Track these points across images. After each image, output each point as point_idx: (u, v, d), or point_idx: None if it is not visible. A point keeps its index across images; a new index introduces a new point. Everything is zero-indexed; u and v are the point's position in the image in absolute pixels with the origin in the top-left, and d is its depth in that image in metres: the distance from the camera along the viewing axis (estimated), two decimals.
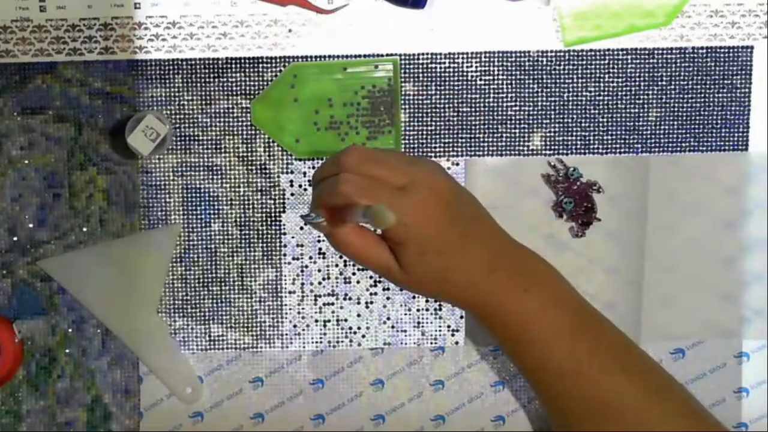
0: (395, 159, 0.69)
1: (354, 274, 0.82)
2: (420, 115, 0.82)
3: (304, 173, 0.82)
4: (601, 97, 0.82)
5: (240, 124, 0.81)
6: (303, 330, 0.82)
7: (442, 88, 0.81)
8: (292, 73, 0.81)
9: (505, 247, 0.72)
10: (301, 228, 0.82)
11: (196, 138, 0.81)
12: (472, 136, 0.82)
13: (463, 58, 0.81)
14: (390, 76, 0.81)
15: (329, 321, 0.82)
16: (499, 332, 0.71)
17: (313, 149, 0.81)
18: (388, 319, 0.83)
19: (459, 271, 0.69)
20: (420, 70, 0.81)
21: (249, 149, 0.81)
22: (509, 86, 0.82)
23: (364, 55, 0.81)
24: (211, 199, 0.82)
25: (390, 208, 0.60)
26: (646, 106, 0.82)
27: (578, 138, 0.82)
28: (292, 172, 0.82)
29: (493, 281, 0.69)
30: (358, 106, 0.81)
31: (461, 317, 0.82)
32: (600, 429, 0.70)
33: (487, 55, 0.81)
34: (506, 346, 0.72)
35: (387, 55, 0.81)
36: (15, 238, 0.81)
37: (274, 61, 0.81)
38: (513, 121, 0.82)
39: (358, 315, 0.83)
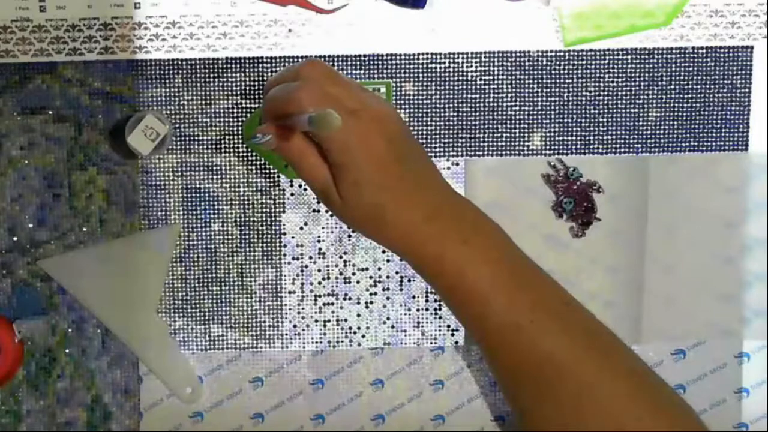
0: (351, 82, 0.69)
1: (354, 274, 0.82)
2: (420, 115, 0.82)
3: None
4: (601, 97, 0.82)
5: (240, 124, 0.81)
6: (303, 330, 0.82)
7: (442, 88, 0.82)
8: None
9: (446, 196, 0.70)
10: (301, 228, 0.82)
11: (196, 138, 0.81)
12: (472, 136, 0.82)
13: (463, 58, 0.81)
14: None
15: (329, 321, 0.83)
16: (436, 282, 0.70)
17: None
18: (388, 319, 0.83)
19: (395, 213, 0.67)
20: (420, 70, 0.81)
21: (249, 149, 0.81)
22: (509, 86, 0.82)
23: (364, 55, 0.81)
24: (211, 199, 0.82)
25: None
26: (646, 106, 0.82)
27: (578, 138, 0.82)
28: None
29: (430, 229, 0.68)
30: None
31: None
32: (538, 385, 0.69)
33: (487, 55, 0.81)
34: (445, 296, 0.71)
35: (387, 55, 0.81)
36: (15, 238, 0.81)
37: (274, 61, 0.81)
38: (513, 121, 0.82)
39: (358, 315, 0.83)
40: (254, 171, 0.82)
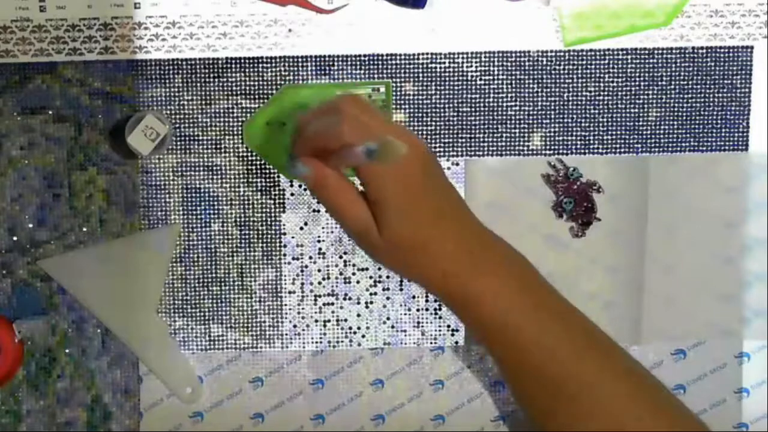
0: (382, 114, 0.69)
1: (354, 274, 0.82)
2: (420, 115, 0.82)
3: None
4: (601, 97, 0.82)
5: (240, 124, 0.81)
6: (303, 330, 0.82)
7: (442, 88, 0.82)
8: (283, 95, 0.81)
9: (473, 225, 0.70)
10: (301, 228, 0.82)
11: (196, 138, 0.81)
12: (472, 136, 0.82)
13: (463, 58, 0.81)
14: (383, 98, 0.81)
15: (329, 321, 0.82)
16: (466, 316, 0.70)
17: None
18: (388, 319, 0.83)
19: (438, 247, 0.67)
20: (420, 70, 0.81)
21: (249, 149, 0.81)
22: (509, 86, 0.82)
23: (364, 55, 0.81)
24: (211, 199, 0.82)
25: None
26: (646, 106, 0.82)
27: (578, 138, 0.82)
28: None
29: (467, 264, 0.68)
30: None
31: None
32: (555, 405, 0.70)
33: (487, 55, 0.81)
34: (468, 323, 0.71)
35: (387, 55, 0.81)
36: (15, 238, 0.81)
37: (274, 61, 0.81)
38: (513, 121, 0.82)
39: (358, 315, 0.83)
40: (254, 171, 0.82)
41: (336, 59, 0.81)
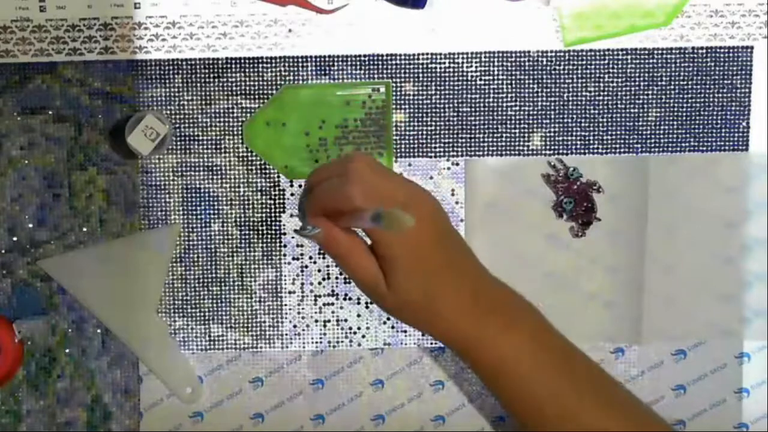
0: (395, 174, 0.69)
1: None
2: (420, 115, 0.82)
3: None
4: (601, 97, 0.82)
5: (240, 124, 0.81)
6: (303, 330, 0.82)
7: (442, 88, 0.82)
8: (283, 95, 0.81)
9: (487, 282, 0.71)
10: None
11: (196, 138, 0.81)
12: (472, 136, 0.82)
13: (463, 58, 0.81)
14: (383, 98, 0.81)
15: (329, 321, 0.82)
16: (477, 366, 0.71)
17: (304, 172, 0.81)
18: (388, 319, 0.83)
19: (445, 302, 0.68)
20: (420, 70, 0.81)
21: (249, 149, 0.81)
22: (509, 86, 0.82)
23: (364, 55, 0.81)
24: (211, 199, 0.82)
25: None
26: (646, 106, 0.82)
27: (578, 138, 0.82)
28: None
29: (474, 316, 0.69)
30: (347, 129, 0.81)
31: None
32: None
33: (487, 55, 0.81)
34: (485, 379, 0.72)
35: (387, 55, 0.81)
36: (15, 238, 0.81)
37: (274, 61, 0.81)
38: (513, 121, 0.82)
39: (358, 315, 0.83)
40: (254, 171, 0.82)
41: (336, 59, 0.81)
